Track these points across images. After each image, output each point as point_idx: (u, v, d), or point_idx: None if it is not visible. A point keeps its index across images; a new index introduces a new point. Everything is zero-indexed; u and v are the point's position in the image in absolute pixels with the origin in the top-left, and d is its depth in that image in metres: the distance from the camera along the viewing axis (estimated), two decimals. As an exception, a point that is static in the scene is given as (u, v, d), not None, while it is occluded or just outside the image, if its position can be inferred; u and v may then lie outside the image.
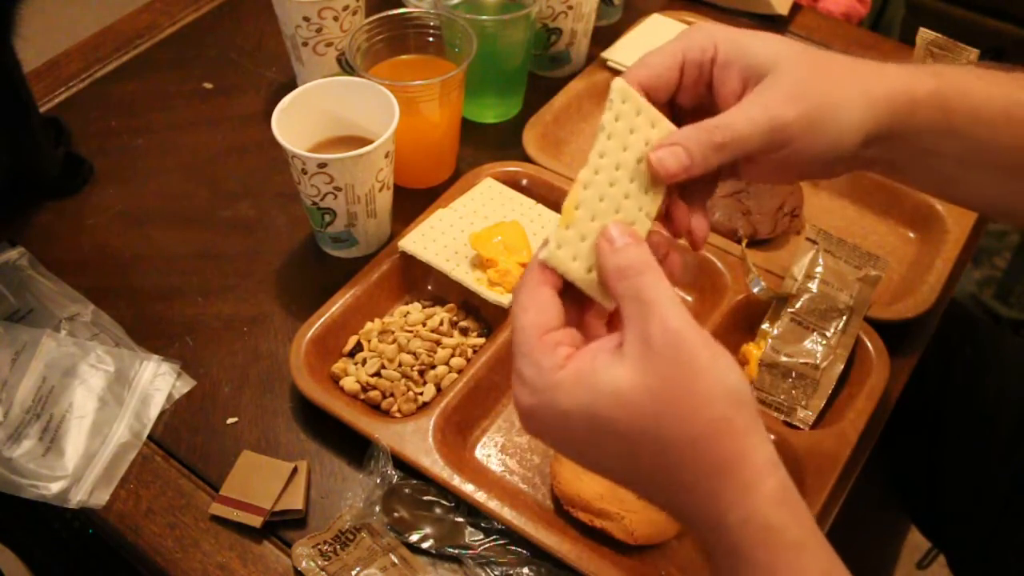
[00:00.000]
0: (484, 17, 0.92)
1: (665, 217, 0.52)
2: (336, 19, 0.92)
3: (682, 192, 0.52)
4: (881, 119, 0.51)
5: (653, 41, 1.02)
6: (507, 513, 0.65)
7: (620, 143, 0.48)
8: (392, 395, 0.74)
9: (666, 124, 0.50)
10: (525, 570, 0.64)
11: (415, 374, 0.74)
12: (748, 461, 0.40)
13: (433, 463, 0.68)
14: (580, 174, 0.46)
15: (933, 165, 0.53)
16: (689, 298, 0.84)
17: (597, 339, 0.44)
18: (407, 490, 0.68)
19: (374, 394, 0.74)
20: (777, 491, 0.40)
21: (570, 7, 0.98)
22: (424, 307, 0.80)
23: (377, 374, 0.74)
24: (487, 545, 0.66)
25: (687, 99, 0.54)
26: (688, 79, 0.53)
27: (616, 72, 1.01)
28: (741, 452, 0.40)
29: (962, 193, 0.55)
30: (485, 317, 0.79)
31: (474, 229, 0.81)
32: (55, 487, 0.69)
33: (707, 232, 0.53)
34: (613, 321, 0.48)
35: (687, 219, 0.52)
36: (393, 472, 0.67)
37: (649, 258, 0.43)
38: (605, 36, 1.04)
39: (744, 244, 0.83)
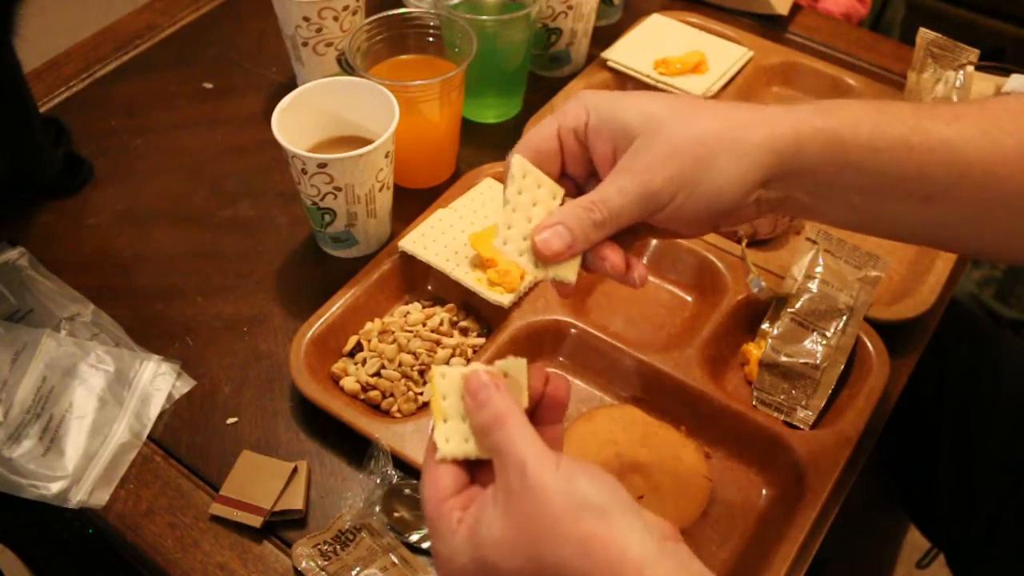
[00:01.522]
0: (484, 17, 0.92)
1: (600, 260, 0.53)
2: (336, 19, 0.92)
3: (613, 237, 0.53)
4: (764, 163, 0.51)
5: (653, 41, 1.03)
6: (507, 513, 0.65)
7: (524, 215, 0.52)
8: (392, 395, 0.74)
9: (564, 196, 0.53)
10: (525, 570, 0.64)
11: (415, 374, 0.74)
12: (628, 562, 0.43)
13: (433, 463, 0.68)
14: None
15: (839, 199, 0.53)
16: (689, 298, 0.84)
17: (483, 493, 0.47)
18: (407, 490, 0.68)
19: (374, 394, 0.74)
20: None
21: (570, 7, 0.98)
22: (424, 307, 0.80)
23: (377, 374, 0.74)
24: (487, 545, 0.66)
25: (577, 170, 0.55)
26: (569, 150, 0.54)
27: (616, 72, 1.01)
28: (619, 556, 0.43)
29: (882, 225, 0.55)
30: (485, 317, 0.79)
31: (474, 229, 0.81)
32: (55, 487, 0.69)
33: (644, 272, 0.54)
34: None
35: (622, 262, 0.53)
36: (393, 472, 0.67)
37: (506, 408, 0.46)
38: (605, 36, 1.04)
39: (744, 244, 0.83)
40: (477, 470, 0.49)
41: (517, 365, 0.49)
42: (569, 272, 0.53)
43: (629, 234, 0.54)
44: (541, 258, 0.52)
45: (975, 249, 0.59)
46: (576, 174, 0.56)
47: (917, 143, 0.50)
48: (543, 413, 0.51)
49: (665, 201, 0.51)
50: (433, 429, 0.49)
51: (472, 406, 0.47)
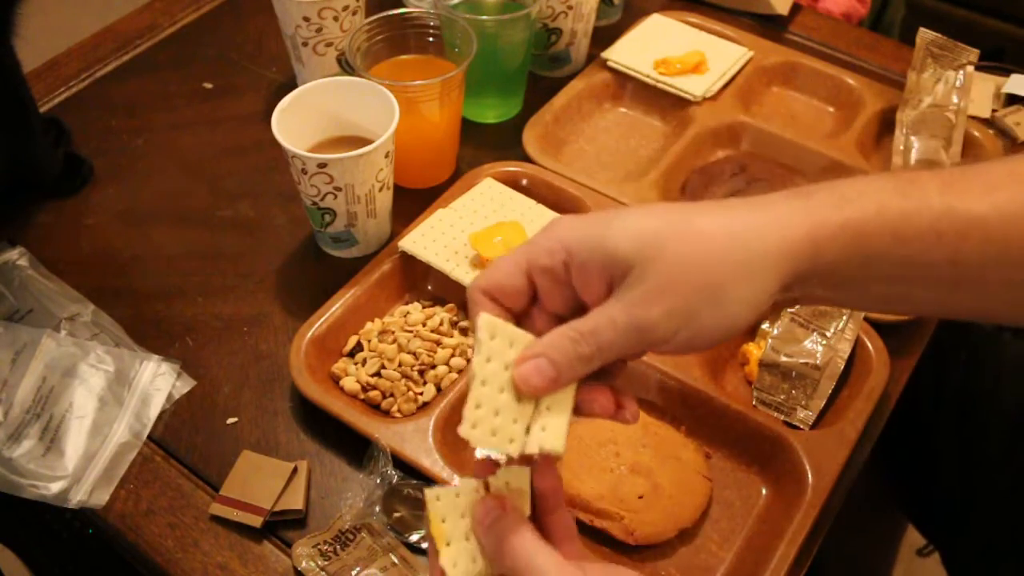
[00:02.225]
0: (484, 17, 0.92)
1: (587, 403, 0.48)
2: (336, 19, 0.92)
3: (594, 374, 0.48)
4: (779, 274, 0.45)
5: (653, 41, 1.03)
6: (507, 513, 0.65)
7: (496, 387, 0.46)
8: (392, 395, 0.74)
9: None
10: (525, 570, 0.64)
11: (415, 374, 0.74)
12: None
13: (433, 463, 0.68)
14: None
15: (861, 290, 0.48)
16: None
17: None
18: (407, 490, 0.68)
19: (374, 394, 0.74)
20: None
21: (570, 7, 0.98)
22: (424, 307, 0.80)
23: (377, 374, 0.74)
24: (487, 545, 0.66)
25: (558, 305, 0.48)
26: (544, 286, 0.47)
27: (616, 72, 1.01)
28: None
29: (908, 307, 0.52)
30: (485, 317, 0.79)
31: (474, 229, 0.81)
32: (55, 487, 0.69)
33: (636, 409, 0.49)
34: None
35: (611, 403, 0.48)
36: (393, 472, 0.67)
37: (517, 529, 0.45)
38: (605, 36, 1.04)
39: (744, 244, 0.83)
40: None
41: (519, 474, 0.47)
42: (556, 441, 0.46)
43: (619, 362, 0.48)
44: (522, 396, 0.46)
45: (1013, 321, 0.52)
46: (556, 310, 0.48)
47: (946, 229, 0.45)
48: (542, 504, 0.48)
49: (665, 336, 0.45)
50: (437, 556, 0.46)
51: (480, 532, 0.46)
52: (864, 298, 0.49)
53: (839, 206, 0.45)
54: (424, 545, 0.65)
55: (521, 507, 0.46)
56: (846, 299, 0.49)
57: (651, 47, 1.02)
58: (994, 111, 1.00)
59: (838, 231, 0.45)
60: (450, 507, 0.47)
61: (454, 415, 0.72)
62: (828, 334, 0.76)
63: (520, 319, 0.49)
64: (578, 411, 0.48)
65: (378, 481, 0.67)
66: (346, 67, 0.95)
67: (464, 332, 0.78)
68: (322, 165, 0.76)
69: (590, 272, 0.46)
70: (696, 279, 0.44)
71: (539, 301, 0.48)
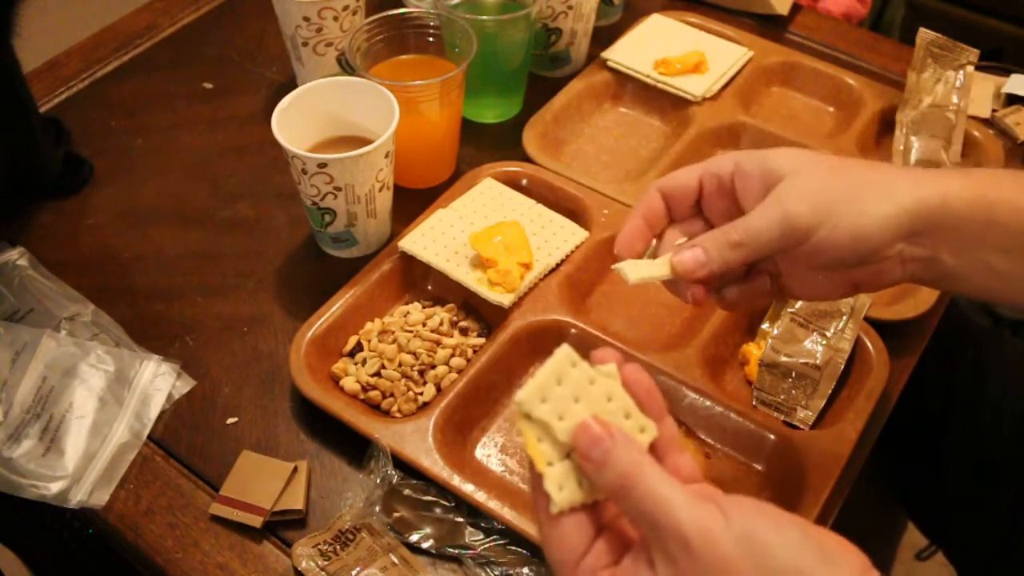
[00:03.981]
0: (484, 17, 0.92)
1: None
2: (336, 19, 0.92)
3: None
4: (909, 209, 0.51)
5: (653, 41, 1.03)
6: (507, 513, 0.65)
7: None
8: (392, 395, 0.74)
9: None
10: (525, 570, 0.64)
11: (415, 374, 0.74)
12: None
13: (433, 463, 0.68)
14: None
15: (982, 262, 0.52)
16: (689, 298, 0.84)
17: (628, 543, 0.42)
18: (407, 490, 0.68)
19: (374, 394, 0.74)
20: None
21: (570, 7, 0.98)
22: (424, 307, 0.80)
23: (377, 374, 0.74)
24: (487, 545, 0.66)
25: (714, 212, 0.58)
26: (708, 189, 0.57)
27: (616, 72, 1.01)
28: None
29: (1015, 290, 0.54)
30: (485, 317, 0.79)
31: (474, 229, 0.81)
32: (55, 487, 0.69)
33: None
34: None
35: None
36: (393, 472, 0.67)
37: (631, 463, 0.40)
38: (605, 36, 1.04)
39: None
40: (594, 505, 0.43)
41: (608, 372, 0.43)
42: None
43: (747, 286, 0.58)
44: (680, 277, 0.55)
45: None
46: (712, 216, 0.58)
47: None
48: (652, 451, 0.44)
49: (805, 232, 0.52)
50: (542, 479, 0.41)
51: (590, 469, 0.41)
52: (986, 276, 0.53)
53: (965, 175, 0.52)
54: (425, 545, 0.66)
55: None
56: (970, 274, 0.53)
57: (651, 47, 1.02)
58: (994, 111, 1.00)
59: (963, 189, 0.51)
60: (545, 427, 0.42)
61: (454, 415, 0.72)
62: (828, 334, 0.76)
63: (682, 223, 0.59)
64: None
65: (378, 481, 0.67)
66: (346, 67, 0.95)
67: (464, 332, 0.78)
68: (322, 165, 0.76)
69: (751, 179, 0.55)
70: (839, 188, 0.52)
71: (701, 209, 0.58)
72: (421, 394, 0.74)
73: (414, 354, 0.75)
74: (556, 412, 0.42)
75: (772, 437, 0.71)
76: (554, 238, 0.83)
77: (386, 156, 0.79)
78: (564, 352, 0.43)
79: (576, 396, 0.42)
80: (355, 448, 0.70)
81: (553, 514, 0.41)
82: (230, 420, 0.74)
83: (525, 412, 0.41)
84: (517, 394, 0.42)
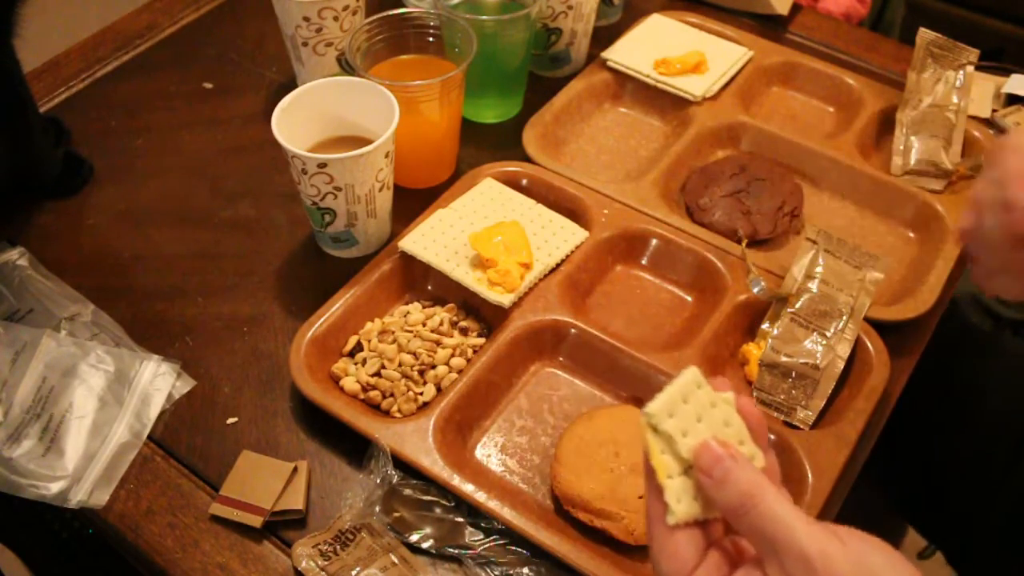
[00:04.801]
0: (484, 17, 0.92)
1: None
2: (336, 19, 0.92)
3: None
4: None
5: (653, 41, 1.03)
6: (507, 513, 0.65)
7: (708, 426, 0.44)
8: (392, 395, 0.74)
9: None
10: (525, 570, 0.64)
11: (415, 374, 0.74)
12: None
13: (433, 463, 0.68)
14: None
15: None
16: (689, 298, 0.84)
17: (740, 563, 0.42)
18: (407, 490, 0.68)
19: (374, 394, 0.74)
20: None
21: (570, 7, 0.98)
22: (424, 307, 0.80)
23: (377, 374, 0.74)
24: (487, 545, 0.66)
25: None
26: None
27: (615, 71, 1.01)
28: None
29: None
30: (485, 317, 0.79)
31: (474, 229, 0.81)
32: (55, 487, 0.69)
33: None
34: None
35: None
36: (393, 472, 0.67)
37: (752, 484, 0.41)
38: (605, 36, 1.04)
39: (744, 244, 0.83)
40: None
41: (727, 399, 0.44)
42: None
43: None
44: None
45: None
46: None
47: None
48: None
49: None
50: (661, 490, 0.43)
51: (710, 485, 0.42)
52: None
53: None
54: (425, 545, 0.66)
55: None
56: None
57: (651, 47, 1.02)
58: (994, 111, 1.00)
59: None
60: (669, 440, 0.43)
61: (454, 415, 0.72)
62: (828, 334, 0.76)
63: None
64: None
65: (378, 481, 0.67)
66: (346, 67, 0.95)
67: (464, 332, 0.78)
68: (322, 165, 0.76)
69: None
70: None
71: None
72: (421, 394, 0.74)
73: (414, 354, 0.75)
74: (681, 428, 0.43)
75: (772, 437, 0.71)
76: (554, 238, 0.83)
77: (386, 156, 0.79)
78: (692, 372, 0.44)
79: (699, 416, 0.44)
80: (355, 448, 0.70)
81: (670, 525, 0.42)
82: (230, 420, 0.74)
83: (653, 424, 0.43)
84: (647, 406, 0.43)
